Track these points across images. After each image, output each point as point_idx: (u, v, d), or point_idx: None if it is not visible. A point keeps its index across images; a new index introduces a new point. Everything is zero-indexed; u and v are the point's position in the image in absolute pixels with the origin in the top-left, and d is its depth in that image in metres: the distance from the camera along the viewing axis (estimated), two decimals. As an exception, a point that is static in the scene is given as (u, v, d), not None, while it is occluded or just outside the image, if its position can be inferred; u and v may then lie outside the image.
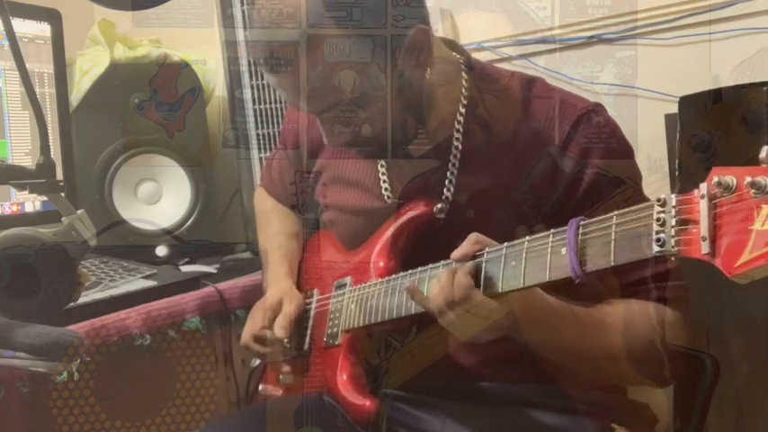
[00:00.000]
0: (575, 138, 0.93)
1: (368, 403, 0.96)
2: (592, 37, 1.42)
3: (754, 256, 0.58)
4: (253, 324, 1.09)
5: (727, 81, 1.28)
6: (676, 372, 0.95)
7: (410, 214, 0.99)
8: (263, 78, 1.50)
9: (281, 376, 1.12)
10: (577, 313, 0.88)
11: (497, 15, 1.52)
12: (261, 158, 1.54)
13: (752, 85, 1.06)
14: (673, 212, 0.64)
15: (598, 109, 0.95)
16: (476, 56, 1.07)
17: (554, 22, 1.45)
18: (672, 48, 1.36)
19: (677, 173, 1.10)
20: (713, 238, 0.61)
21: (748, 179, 0.58)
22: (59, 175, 1.29)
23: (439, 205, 0.97)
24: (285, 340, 1.07)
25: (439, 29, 1.53)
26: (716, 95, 1.08)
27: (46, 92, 1.36)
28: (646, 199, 0.97)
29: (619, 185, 0.93)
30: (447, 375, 0.98)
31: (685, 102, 1.12)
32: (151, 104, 1.45)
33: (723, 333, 1.10)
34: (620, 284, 0.91)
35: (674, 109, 1.13)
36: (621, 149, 0.95)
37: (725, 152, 1.04)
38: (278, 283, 1.14)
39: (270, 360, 1.12)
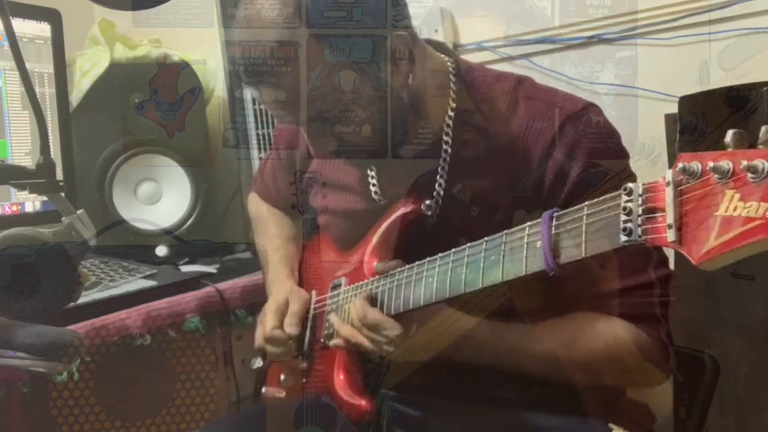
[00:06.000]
0: (563, 139, 0.92)
1: (363, 403, 0.96)
2: (592, 37, 1.42)
3: (720, 243, 0.56)
4: (263, 326, 1.09)
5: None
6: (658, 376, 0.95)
7: (400, 212, 0.99)
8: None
9: (282, 377, 1.12)
10: (498, 335, 0.92)
11: (497, 15, 1.52)
12: (261, 158, 1.54)
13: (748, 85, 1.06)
14: (639, 201, 0.63)
15: (590, 110, 0.94)
16: (476, 56, 1.07)
17: (554, 22, 1.45)
18: (672, 48, 1.36)
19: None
20: (679, 226, 0.60)
21: (710, 164, 0.57)
22: (59, 175, 1.30)
23: (427, 202, 0.97)
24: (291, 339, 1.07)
25: (439, 29, 1.54)
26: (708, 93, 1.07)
27: (46, 92, 1.36)
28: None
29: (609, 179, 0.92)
30: (445, 375, 0.98)
31: (685, 102, 1.12)
32: (151, 104, 1.45)
33: (723, 333, 1.10)
34: (584, 296, 0.91)
35: (674, 109, 1.13)
36: (613, 150, 0.93)
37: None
38: (281, 285, 1.15)
39: (282, 360, 1.12)
